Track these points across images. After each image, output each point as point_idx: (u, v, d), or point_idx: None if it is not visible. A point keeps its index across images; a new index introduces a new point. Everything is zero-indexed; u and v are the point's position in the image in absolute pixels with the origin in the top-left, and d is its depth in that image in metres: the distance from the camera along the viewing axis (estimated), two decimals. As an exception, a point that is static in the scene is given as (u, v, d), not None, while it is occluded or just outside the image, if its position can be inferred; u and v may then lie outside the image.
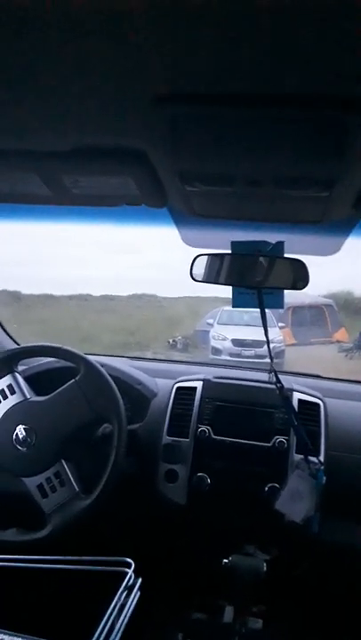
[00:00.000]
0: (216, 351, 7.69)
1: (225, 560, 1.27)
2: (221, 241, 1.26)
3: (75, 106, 0.69)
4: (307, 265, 1.15)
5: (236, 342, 7.48)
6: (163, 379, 1.50)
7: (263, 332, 1.29)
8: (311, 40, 0.50)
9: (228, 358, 7.30)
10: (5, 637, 0.83)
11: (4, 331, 1.64)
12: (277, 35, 0.50)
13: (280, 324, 7.61)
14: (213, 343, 7.88)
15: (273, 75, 0.58)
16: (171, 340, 8.78)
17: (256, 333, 7.22)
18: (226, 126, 0.70)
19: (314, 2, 0.44)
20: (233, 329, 7.68)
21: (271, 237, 1.24)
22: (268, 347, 1.28)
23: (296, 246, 1.25)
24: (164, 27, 0.50)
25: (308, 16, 0.46)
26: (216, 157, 0.78)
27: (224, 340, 7.78)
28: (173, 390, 1.40)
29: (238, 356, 7.28)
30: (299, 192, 0.88)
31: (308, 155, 0.75)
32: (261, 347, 7.01)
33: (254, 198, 0.94)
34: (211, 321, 8.47)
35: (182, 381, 1.43)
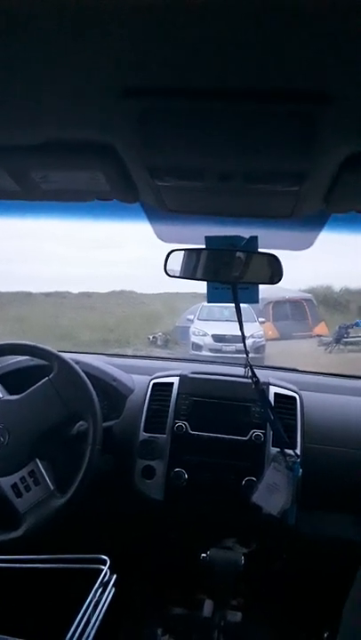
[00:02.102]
0: (197, 347, 7.71)
1: (203, 554, 1.28)
2: (196, 236, 1.26)
3: (43, 99, 0.68)
4: (280, 259, 1.16)
5: (217, 338, 7.52)
6: (140, 375, 1.50)
7: (246, 326, 1.29)
8: (279, 35, 0.50)
9: (209, 354, 7.33)
10: None
11: (-23, 329, 1.61)
12: (245, 29, 0.50)
13: (260, 319, 7.67)
14: (194, 339, 7.90)
15: (242, 69, 0.58)
16: (151, 337, 8.78)
17: (236, 329, 7.26)
18: (195, 120, 0.70)
19: None
20: (213, 325, 7.71)
21: (246, 232, 1.25)
22: (244, 341, 1.28)
23: (270, 241, 1.26)
24: (133, 19, 0.49)
25: (275, 10, 0.46)
26: (185, 152, 0.78)
27: (204, 335, 7.81)
28: (150, 386, 1.40)
29: (219, 351, 7.31)
30: (269, 186, 0.88)
31: (277, 149, 0.75)
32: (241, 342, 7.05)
33: (225, 193, 0.94)
34: (191, 317, 8.49)
35: (159, 377, 1.43)
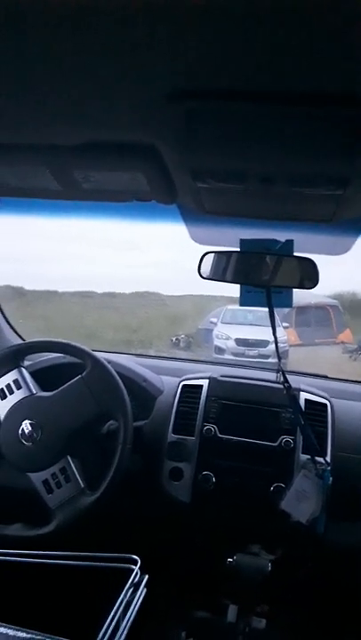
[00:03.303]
0: (219, 350, 7.67)
1: (229, 559, 1.27)
2: (230, 238, 1.25)
3: (88, 100, 0.69)
4: (317, 264, 1.15)
5: (240, 342, 7.46)
6: (167, 376, 1.50)
7: (270, 331, 1.28)
8: (327, 38, 0.50)
9: (232, 357, 7.29)
10: (9, 632, 0.83)
11: (10, 326, 1.64)
12: (293, 32, 0.49)
13: (284, 324, 7.59)
14: (217, 342, 7.87)
15: (288, 72, 0.58)
16: (174, 339, 8.77)
17: (260, 333, 7.20)
18: (240, 123, 0.70)
19: (330, 1, 0.44)
20: (237, 328, 7.66)
21: (280, 235, 1.24)
22: (277, 346, 1.27)
23: (305, 245, 1.25)
24: (180, 22, 0.49)
25: (324, 14, 0.46)
26: (229, 154, 0.78)
27: (227, 339, 7.76)
28: (179, 388, 1.40)
29: (242, 355, 7.26)
30: (312, 190, 0.87)
31: (322, 153, 0.74)
32: (265, 346, 6.99)
33: (266, 196, 0.93)
34: (214, 320, 8.45)
35: (188, 379, 1.42)
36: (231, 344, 7.60)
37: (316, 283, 1.16)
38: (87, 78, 0.63)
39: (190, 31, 0.51)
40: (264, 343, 6.94)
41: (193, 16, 0.48)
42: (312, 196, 0.91)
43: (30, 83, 0.64)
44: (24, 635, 0.83)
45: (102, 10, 0.48)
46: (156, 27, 0.50)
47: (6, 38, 0.53)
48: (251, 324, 7.24)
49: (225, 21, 0.49)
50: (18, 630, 0.82)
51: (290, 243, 1.20)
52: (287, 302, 1.26)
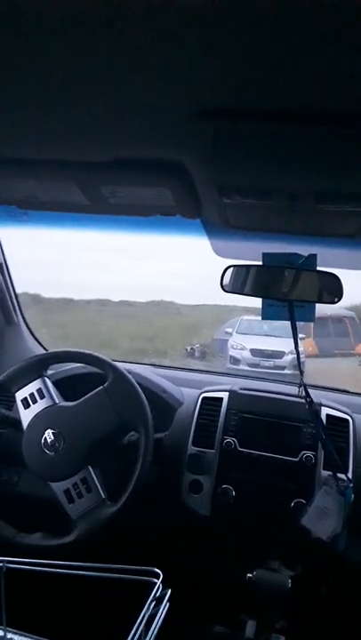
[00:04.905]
0: (234, 360, 7.64)
1: (249, 574, 1.26)
2: (253, 252, 1.26)
3: (118, 118, 0.70)
4: (340, 279, 1.15)
5: (256, 352, 7.43)
6: (186, 387, 1.50)
7: (285, 342, 1.29)
8: (350, 59, 0.51)
9: (247, 368, 7.25)
10: (15, 637, 0.83)
11: (33, 336, 1.66)
12: (321, 54, 0.50)
13: (301, 335, 7.53)
14: (232, 352, 7.84)
15: (316, 92, 0.59)
16: (188, 348, 8.76)
17: (275, 344, 7.15)
18: (268, 140, 0.71)
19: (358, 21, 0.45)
20: (252, 339, 7.63)
21: (302, 250, 1.24)
22: (298, 360, 1.27)
23: (326, 259, 1.25)
24: (210, 42, 0.50)
25: (353, 35, 0.47)
26: (256, 171, 0.78)
27: (243, 349, 7.73)
28: (199, 400, 1.40)
29: (257, 366, 7.22)
30: (337, 207, 0.87)
31: (348, 170, 0.75)
32: (280, 357, 6.94)
33: (291, 212, 0.94)
34: (229, 330, 8.43)
35: (208, 391, 1.42)
36: (247, 354, 7.57)
37: (340, 297, 1.16)
38: (117, 96, 0.64)
39: (220, 50, 0.52)
40: (280, 354, 6.89)
41: (222, 36, 0.49)
42: (337, 212, 0.91)
43: (61, 99, 0.65)
44: (44, 645, 0.84)
45: (133, 27, 0.49)
46: (187, 45, 0.51)
47: (37, 56, 0.55)
48: (266, 335, 7.20)
49: (254, 41, 0.50)
50: (23, 636, 0.83)
51: (313, 257, 1.20)
52: (309, 316, 1.26)
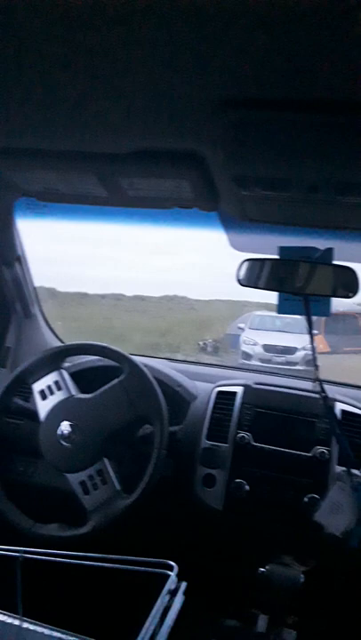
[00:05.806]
0: (247, 356, 7.62)
1: (261, 569, 1.26)
2: (269, 246, 1.25)
3: (138, 109, 0.70)
4: (357, 273, 1.13)
5: (268, 348, 7.40)
6: (200, 382, 1.50)
7: (297, 338, 1.28)
8: None
9: (259, 364, 7.23)
10: (45, 631, 0.84)
11: (50, 329, 1.67)
12: (342, 43, 0.50)
13: (313, 332, 7.48)
14: (244, 348, 7.81)
15: (338, 82, 0.58)
16: (201, 343, 8.75)
17: (288, 339, 7.12)
18: (288, 132, 0.70)
19: None
20: (264, 334, 7.59)
21: (319, 243, 1.23)
22: (314, 355, 1.26)
23: (343, 253, 1.23)
24: (231, 33, 0.50)
25: None
26: (277, 162, 0.78)
27: (255, 344, 7.70)
28: (213, 394, 1.40)
29: (269, 361, 7.18)
30: (357, 198, 0.86)
31: None
32: (293, 353, 6.91)
33: (310, 204, 0.93)
34: (242, 325, 8.40)
35: (223, 386, 1.42)
36: (259, 350, 7.54)
37: (356, 292, 1.14)
38: (138, 88, 0.64)
39: (241, 42, 0.51)
40: (292, 350, 6.86)
41: (244, 28, 0.49)
42: (357, 204, 0.90)
43: (81, 92, 0.65)
44: (59, 635, 0.85)
45: (155, 22, 0.49)
46: (208, 39, 0.51)
47: (58, 49, 0.55)
48: (279, 331, 7.17)
49: (277, 33, 0.49)
50: (53, 630, 0.84)
51: (330, 251, 1.19)
52: (325, 311, 1.25)
